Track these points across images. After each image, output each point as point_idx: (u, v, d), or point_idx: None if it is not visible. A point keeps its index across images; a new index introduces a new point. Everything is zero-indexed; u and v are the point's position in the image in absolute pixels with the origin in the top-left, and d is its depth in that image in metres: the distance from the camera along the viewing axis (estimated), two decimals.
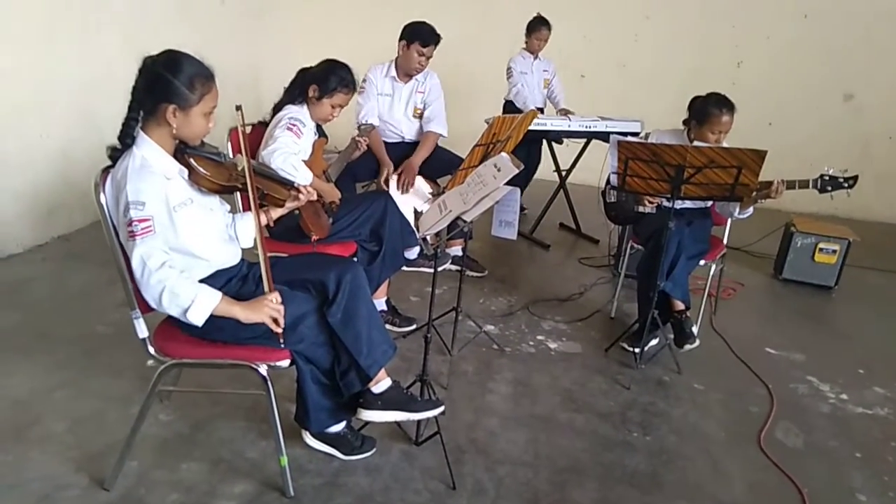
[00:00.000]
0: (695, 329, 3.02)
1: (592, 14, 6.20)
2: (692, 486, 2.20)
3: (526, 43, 4.78)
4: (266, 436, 2.19)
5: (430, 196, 3.81)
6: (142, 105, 1.73)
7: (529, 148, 4.65)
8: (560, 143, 4.65)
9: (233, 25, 5.50)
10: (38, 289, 3.15)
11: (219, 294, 1.72)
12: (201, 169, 1.79)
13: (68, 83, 3.62)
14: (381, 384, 1.97)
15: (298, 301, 1.89)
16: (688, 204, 3.19)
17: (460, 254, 3.86)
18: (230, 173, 1.87)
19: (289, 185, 2.11)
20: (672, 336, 3.03)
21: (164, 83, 1.69)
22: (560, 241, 4.70)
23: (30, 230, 3.52)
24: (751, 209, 3.07)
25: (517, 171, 1.90)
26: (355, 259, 2.80)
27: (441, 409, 2.05)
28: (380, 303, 3.04)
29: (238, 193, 2.05)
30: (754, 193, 2.92)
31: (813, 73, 5.91)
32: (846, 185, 2.82)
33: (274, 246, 2.67)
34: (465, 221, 1.96)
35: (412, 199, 3.64)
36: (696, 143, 2.99)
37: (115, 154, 1.75)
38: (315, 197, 2.15)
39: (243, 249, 2.05)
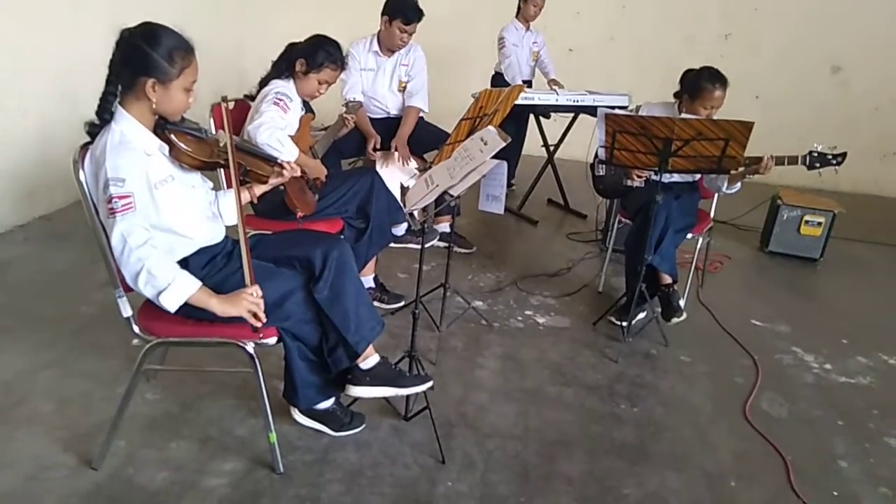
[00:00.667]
0: (682, 302, 3.04)
1: None
2: (679, 457, 2.23)
3: (520, 10, 4.70)
4: (255, 413, 2.19)
5: (416, 171, 3.78)
6: (120, 79, 1.69)
7: (517, 123, 4.62)
8: (547, 117, 4.63)
9: (213, 5, 5.39)
10: (20, 269, 3.10)
11: (197, 283, 1.69)
12: (182, 145, 1.76)
13: (47, 61, 3.54)
14: (369, 360, 1.97)
15: (284, 278, 1.87)
16: (676, 178, 3.18)
17: (448, 230, 3.85)
18: (212, 149, 1.84)
19: (272, 161, 2.08)
20: (659, 309, 3.04)
21: (143, 56, 1.65)
22: (548, 216, 4.70)
23: (10, 211, 3.46)
24: (738, 185, 3.07)
25: (504, 145, 1.89)
26: (342, 236, 2.78)
27: (429, 384, 2.06)
28: (368, 280, 3.03)
29: (221, 170, 2.01)
30: (742, 168, 2.93)
31: (800, 46, 5.91)
32: (835, 161, 2.82)
33: (259, 223, 2.65)
34: (451, 196, 1.94)
35: (399, 175, 3.61)
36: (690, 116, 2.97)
37: (94, 130, 1.71)
38: (299, 173, 2.12)
39: (228, 227, 2.03)
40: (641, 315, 3.12)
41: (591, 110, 4.25)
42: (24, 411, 2.15)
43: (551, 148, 4.73)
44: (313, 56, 2.57)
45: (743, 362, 2.89)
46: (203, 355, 2.47)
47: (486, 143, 1.90)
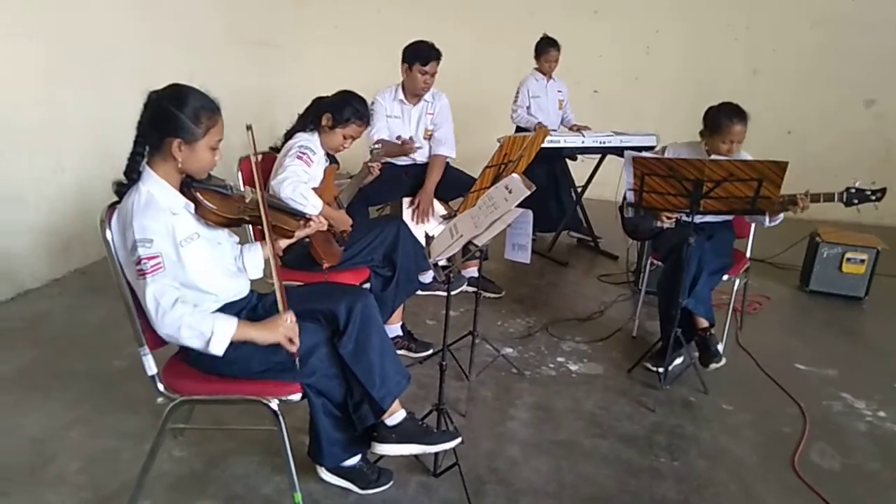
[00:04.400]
0: (720, 347, 2.92)
1: (604, 29, 6.17)
2: None
3: (538, 65, 4.75)
4: (281, 470, 2.13)
5: (442, 219, 3.77)
6: (147, 140, 1.72)
7: (548, 167, 4.60)
8: (574, 159, 4.60)
9: (245, 55, 5.55)
10: (54, 324, 3.14)
11: (235, 320, 1.70)
12: (208, 203, 1.77)
13: (82, 118, 3.65)
14: (395, 416, 1.92)
15: (309, 332, 1.84)
16: (708, 217, 3.11)
17: (476, 275, 3.81)
18: (237, 206, 1.85)
19: (298, 215, 2.08)
20: (697, 354, 2.93)
21: (170, 117, 1.68)
22: (578, 258, 4.63)
23: (46, 264, 3.53)
24: (780, 216, 2.97)
25: (529, 193, 1.86)
26: (368, 285, 2.76)
27: (458, 440, 1.99)
28: (395, 328, 2.99)
29: (247, 224, 2.02)
30: (779, 205, 2.85)
31: (832, 80, 5.82)
32: (874, 197, 2.72)
33: (286, 274, 2.64)
34: (476, 246, 1.91)
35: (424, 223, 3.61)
36: (711, 154, 2.92)
37: (121, 189, 1.73)
38: (325, 226, 2.11)
39: (253, 280, 2.03)
40: (678, 361, 3.01)
41: (619, 151, 4.23)
42: (53, 470, 2.13)
43: (579, 189, 4.69)
44: (340, 111, 2.61)
45: (789, 410, 2.75)
46: (230, 412, 2.45)
47: (510, 192, 1.87)
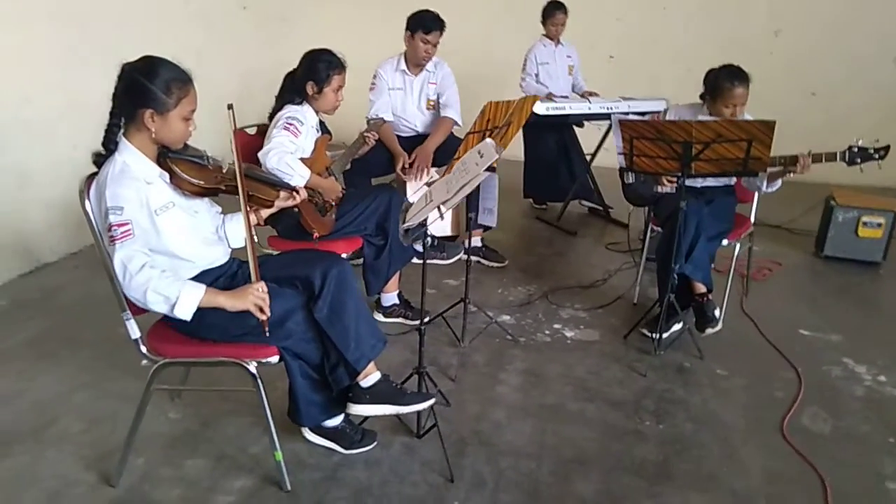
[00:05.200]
0: (717, 312, 2.89)
1: None
2: (704, 476, 2.12)
3: (545, 30, 4.67)
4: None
5: (425, 185, 3.77)
6: (122, 111, 1.78)
7: (558, 135, 4.56)
8: (581, 126, 4.55)
9: (256, 29, 5.59)
10: (68, 295, 3.28)
11: (202, 286, 1.75)
12: (182, 173, 1.82)
13: (96, 97, 3.73)
14: (369, 378, 1.97)
15: (285, 297, 1.90)
16: (709, 182, 3.06)
17: (479, 244, 3.83)
18: (213, 176, 1.89)
19: (277, 185, 2.12)
20: (694, 320, 2.91)
21: (141, 88, 1.73)
22: (588, 227, 4.60)
23: (63, 239, 3.67)
24: (779, 182, 2.92)
25: (498, 156, 1.86)
26: (362, 254, 2.81)
27: (431, 401, 2.04)
28: (391, 296, 3.04)
29: (224, 195, 2.05)
30: (780, 168, 2.79)
31: (859, 38, 5.58)
32: (877, 156, 2.64)
33: (280, 243, 2.71)
34: (443, 210, 1.92)
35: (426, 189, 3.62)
36: (709, 117, 2.86)
37: (100, 160, 1.80)
38: (305, 196, 2.15)
39: (235, 249, 2.08)
40: (677, 327, 2.99)
41: (641, 115, 4.15)
42: (56, 431, 2.25)
43: (588, 157, 4.64)
44: (316, 73, 2.62)
45: (785, 375, 2.72)
46: (226, 375, 2.51)
47: (482, 156, 1.88)
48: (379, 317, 3.05)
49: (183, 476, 2.04)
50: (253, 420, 2.31)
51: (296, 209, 2.49)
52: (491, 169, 1.90)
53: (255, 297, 1.77)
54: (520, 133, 4.76)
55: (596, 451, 2.22)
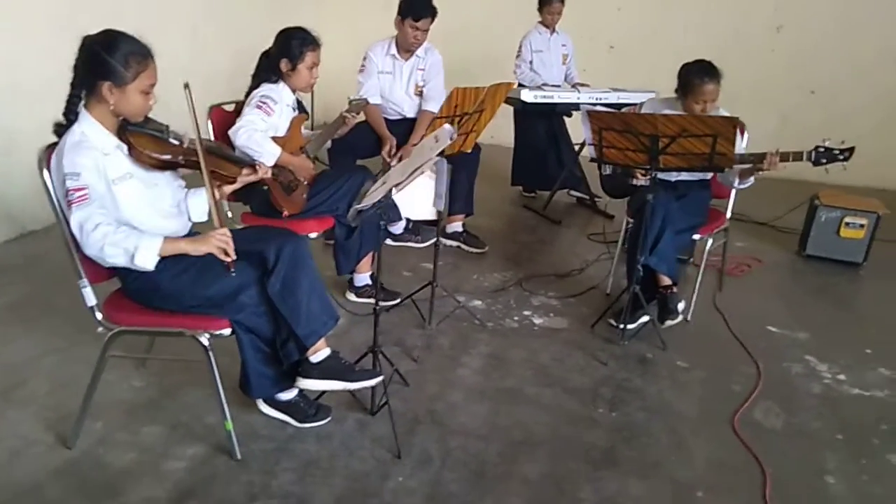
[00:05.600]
0: (681, 305, 2.92)
1: None
2: (649, 464, 2.16)
3: (540, 18, 4.67)
4: (229, 402, 2.27)
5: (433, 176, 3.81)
6: (82, 82, 1.81)
7: (547, 123, 4.57)
8: (569, 115, 4.55)
9: (258, 7, 5.61)
10: (50, 262, 3.33)
11: (160, 236, 1.80)
12: (138, 146, 1.86)
13: None
14: (319, 354, 2.02)
15: (240, 270, 1.93)
16: (684, 176, 3.08)
17: (459, 230, 3.87)
18: (171, 149, 1.93)
19: (240, 162, 2.16)
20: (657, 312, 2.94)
21: (100, 61, 1.76)
22: (573, 217, 4.62)
23: (48, 207, 3.72)
24: (751, 179, 2.93)
25: (451, 142, 1.89)
26: (333, 234, 2.85)
27: (378, 378, 2.09)
28: (363, 277, 3.09)
29: (184, 169, 2.09)
30: (750, 164, 2.80)
31: (861, 38, 5.53)
32: (841, 157, 2.65)
33: (250, 220, 2.75)
34: (387, 196, 1.96)
35: (419, 182, 3.64)
36: (678, 112, 2.87)
37: (61, 130, 1.84)
38: (268, 175, 2.19)
39: (199, 223, 2.13)
40: (645, 318, 3.02)
41: (617, 108, 4.16)
42: (22, 393, 2.32)
43: (576, 147, 4.65)
44: (289, 49, 2.66)
45: (746, 370, 2.75)
46: (190, 346, 2.57)
47: (436, 141, 1.91)
48: (351, 296, 3.10)
49: (138, 441, 2.10)
50: (212, 391, 2.36)
51: (265, 186, 2.54)
52: (441, 154, 1.92)
53: (217, 240, 1.81)
54: (510, 120, 4.83)
55: (546, 435, 2.26)
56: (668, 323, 2.84)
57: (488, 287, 3.40)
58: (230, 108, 2.86)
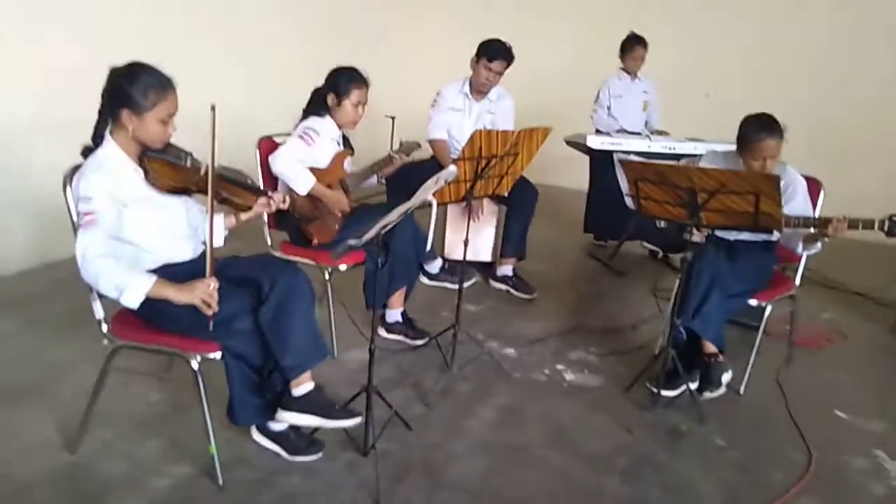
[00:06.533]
0: (726, 376, 2.65)
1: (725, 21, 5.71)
2: None
3: (623, 64, 4.55)
4: (227, 426, 2.28)
5: (494, 220, 3.78)
6: (106, 109, 1.94)
7: (606, 171, 4.41)
8: None
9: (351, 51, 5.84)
10: None
11: (152, 278, 1.86)
12: (154, 171, 1.96)
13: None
14: (302, 387, 2.00)
15: (237, 297, 1.97)
16: (744, 235, 2.83)
17: (509, 273, 3.77)
18: (186, 176, 2.02)
19: (258, 191, 2.22)
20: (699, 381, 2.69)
21: (121, 90, 1.89)
22: (640, 269, 4.38)
23: None
24: (818, 245, 2.66)
25: (450, 180, 1.85)
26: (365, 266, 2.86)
27: (356, 420, 2.04)
28: (395, 313, 3.06)
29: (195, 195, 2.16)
30: (813, 230, 2.54)
31: None
32: None
33: (287, 249, 2.82)
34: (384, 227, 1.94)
35: (476, 224, 3.62)
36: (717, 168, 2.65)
37: (87, 153, 1.98)
38: (282, 205, 2.23)
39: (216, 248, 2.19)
40: (692, 385, 2.77)
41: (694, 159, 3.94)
42: (51, 392, 2.48)
43: None
44: (336, 85, 2.75)
45: (794, 457, 2.44)
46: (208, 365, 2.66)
47: (436, 182, 1.88)
48: (382, 332, 3.08)
49: (135, 454, 2.17)
50: (223, 410, 2.40)
51: (296, 215, 2.61)
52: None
53: (201, 292, 1.85)
54: (586, 165, 4.70)
55: (541, 501, 2.10)
56: (707, 395, 2.59)
57: (527, 335, 3.27)
58: (280, 139, 2.97)
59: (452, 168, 1.93)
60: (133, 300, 1.84)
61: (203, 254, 2.15)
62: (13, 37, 3.35)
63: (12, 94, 3.38)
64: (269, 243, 2.91)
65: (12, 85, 3.37)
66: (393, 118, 5.26)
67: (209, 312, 1.86)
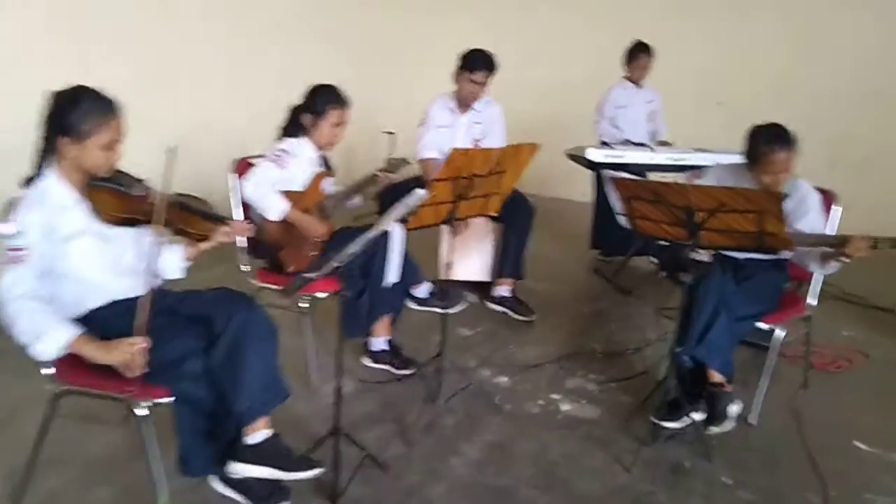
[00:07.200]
0: (735, 408, 2.44)
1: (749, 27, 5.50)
2: None
3: (627, 72, 4.37)
4: None
5: (490, 238, 3.61)
6: (45, 137, 1.81)
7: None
8: (643, 177, 4.15)
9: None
10: None
11: (74, 332, 1.72)
12: (98, 202, 1.82)
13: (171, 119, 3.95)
14: (256, 435, 1.84)
15: (187, 337, 1.82)
16: (753, 254, 2.62)
17: (507, 294, 3.59)
18: (133, 206, 1.87)
19: (217, 219, 2.07)
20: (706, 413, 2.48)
21: (59, 116, 1.75)
22: (648, 287, 4.16)
23: None
24: (835, 264, 2.45)
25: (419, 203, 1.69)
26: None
27: (316, 471, 1.87)
28: (380, 341, 2.89)
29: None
30: (831, 249, 2.34)
31: None
32: None
33: (265, 277, 2.67)
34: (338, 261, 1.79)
35: (472, 244, 3.46)
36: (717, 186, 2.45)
37: (27, 183, 1.84)
38: (245, 234, 2.08)
39: (173, 280, 2.05)
40: (697, 416, 2.56)
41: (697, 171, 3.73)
42: (9, 432, 2.33)
43: None
44: (313, 106, 2.61)
45: (809, 497, 2.22)
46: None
47: (404, 206, 1.72)
48: (367, 361, 2.92)
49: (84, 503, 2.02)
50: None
51: (267, 242, 2.46)
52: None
53: (123, 353, 1.70)
54: (592, 179, 4.50)
55: None
56: (713, 430, 2.38)
57: (522, 362, 3.08)
58: (255, 161, 2.83)
59: (419, 192, 1.77)
60: (46, 352, 1.69)
61: (159, 289, 2.01)
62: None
63: None
64: (249, 269, 2.76)
65: None
66: (391, 134, 5.11)
67: (129, 375, 1.71)
